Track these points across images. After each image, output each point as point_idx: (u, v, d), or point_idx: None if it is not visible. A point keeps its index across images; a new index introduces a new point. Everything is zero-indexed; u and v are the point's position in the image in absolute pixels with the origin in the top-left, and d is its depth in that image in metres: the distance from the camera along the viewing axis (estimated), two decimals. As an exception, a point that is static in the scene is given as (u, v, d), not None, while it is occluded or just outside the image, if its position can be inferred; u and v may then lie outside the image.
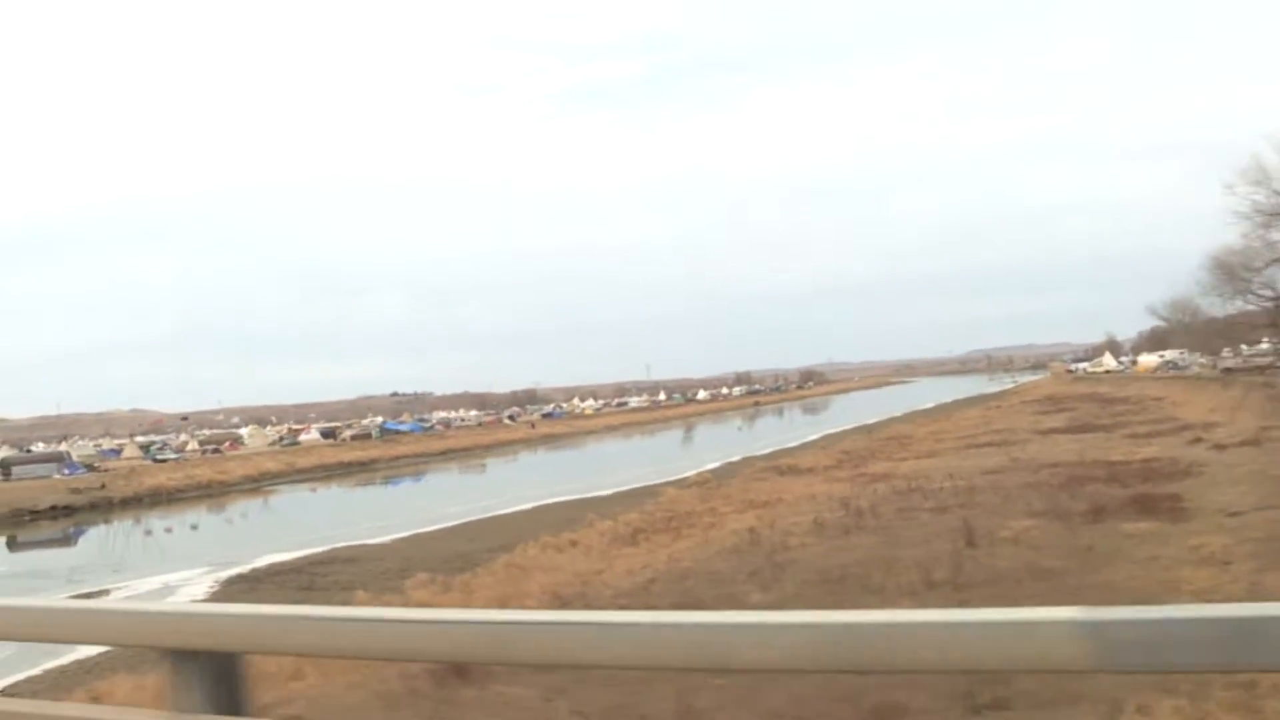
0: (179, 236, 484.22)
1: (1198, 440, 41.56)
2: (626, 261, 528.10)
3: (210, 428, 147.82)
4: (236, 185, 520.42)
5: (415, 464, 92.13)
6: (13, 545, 55.57)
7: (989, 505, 28.26)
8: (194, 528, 55.94)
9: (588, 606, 19.72)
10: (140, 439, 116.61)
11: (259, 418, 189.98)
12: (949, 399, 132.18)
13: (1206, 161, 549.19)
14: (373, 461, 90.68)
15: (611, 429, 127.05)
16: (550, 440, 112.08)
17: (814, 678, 9.41)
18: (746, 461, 60.83)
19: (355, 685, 15.16)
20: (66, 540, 53.17)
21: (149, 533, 53.75)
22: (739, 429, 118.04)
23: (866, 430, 76.12)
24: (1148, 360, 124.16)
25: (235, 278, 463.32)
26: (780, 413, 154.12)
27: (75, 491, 68.83)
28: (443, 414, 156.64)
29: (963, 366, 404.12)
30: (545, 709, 12.70)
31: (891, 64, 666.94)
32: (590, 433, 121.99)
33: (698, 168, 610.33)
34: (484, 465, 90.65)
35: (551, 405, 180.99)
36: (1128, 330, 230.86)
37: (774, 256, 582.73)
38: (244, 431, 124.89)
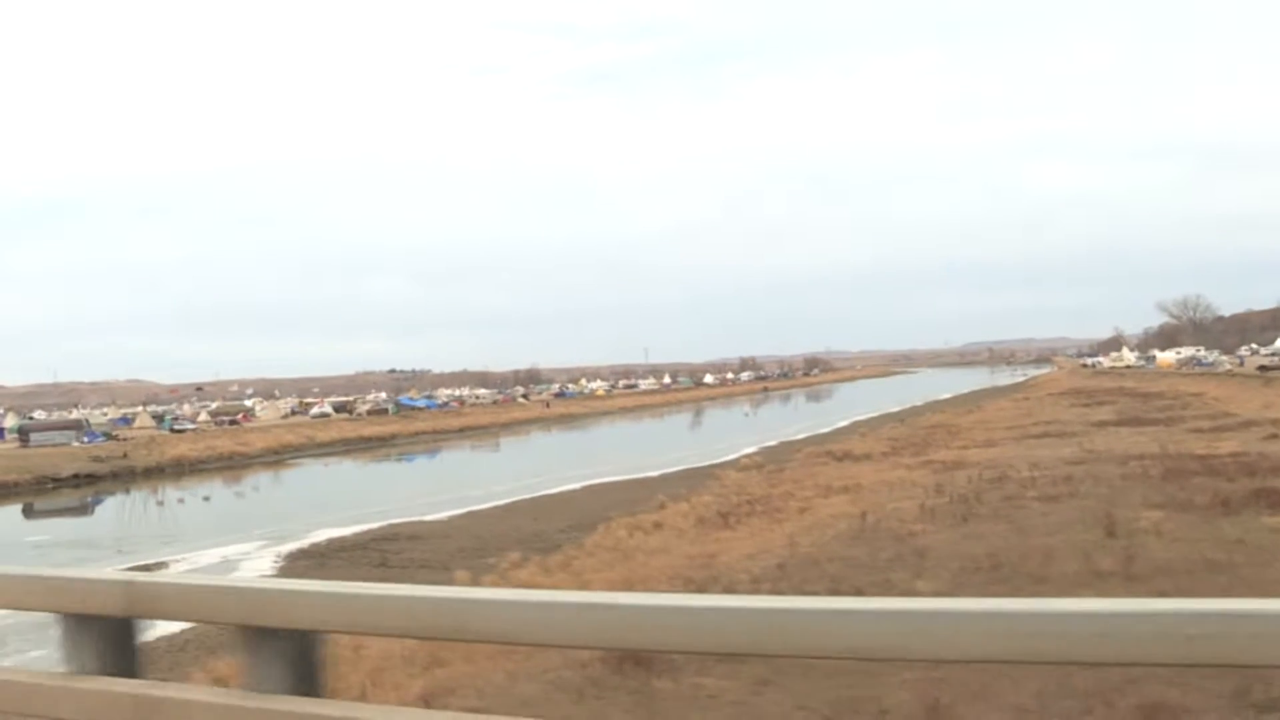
0: (181, 212, 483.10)
1: (1274, 436, 40.54)
2: (626, 246, 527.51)
3: (216, 400, 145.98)
4: (239, 162, 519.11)
5: (434, 440, 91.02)
6: (44, 513, 54.42)
7: (1099, 496, 27.15)
8: (227, 499, 54.70)
9: (725, 591, 18.65)
10: (153, 409, 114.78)
11: (265, 390, 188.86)
12: (964, 390, 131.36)
13: (1205, 162, 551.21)
14: (392, 437, 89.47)
15: (625, 410, 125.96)
16: (566, 420, 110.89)
17: (1053, 671, 8.96)
18: (787, 446, 59.79)
19: (518, 674, 14.11)
20: (99, 509, 51.80)
21: (183, 501, 52.59)
22: (756, 414, 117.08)
23: (899, 419, 75.07)
24: (1166, 356, 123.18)
25: (236, 253, 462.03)
26: (791, 399, 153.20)
27: (97, 460, 67.56)
28: (452, 391, 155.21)
29: (961, 358, 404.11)
30: (760, 704, 11.66)
31: (896, 57, 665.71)
32: (605, 413, 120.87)
33: (700, 154, 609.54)
34: (505, 443, 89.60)
35: (557, 385, 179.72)
36: (1128, 326, 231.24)
37: (774, 245, 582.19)
38: (253, 403, 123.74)
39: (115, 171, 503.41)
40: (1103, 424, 53.17)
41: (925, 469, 37.27)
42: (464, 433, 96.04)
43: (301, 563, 30.10)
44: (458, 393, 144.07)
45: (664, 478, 47.90)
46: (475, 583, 23.14)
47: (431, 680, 14.97)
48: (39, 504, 56.31)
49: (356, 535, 34.86)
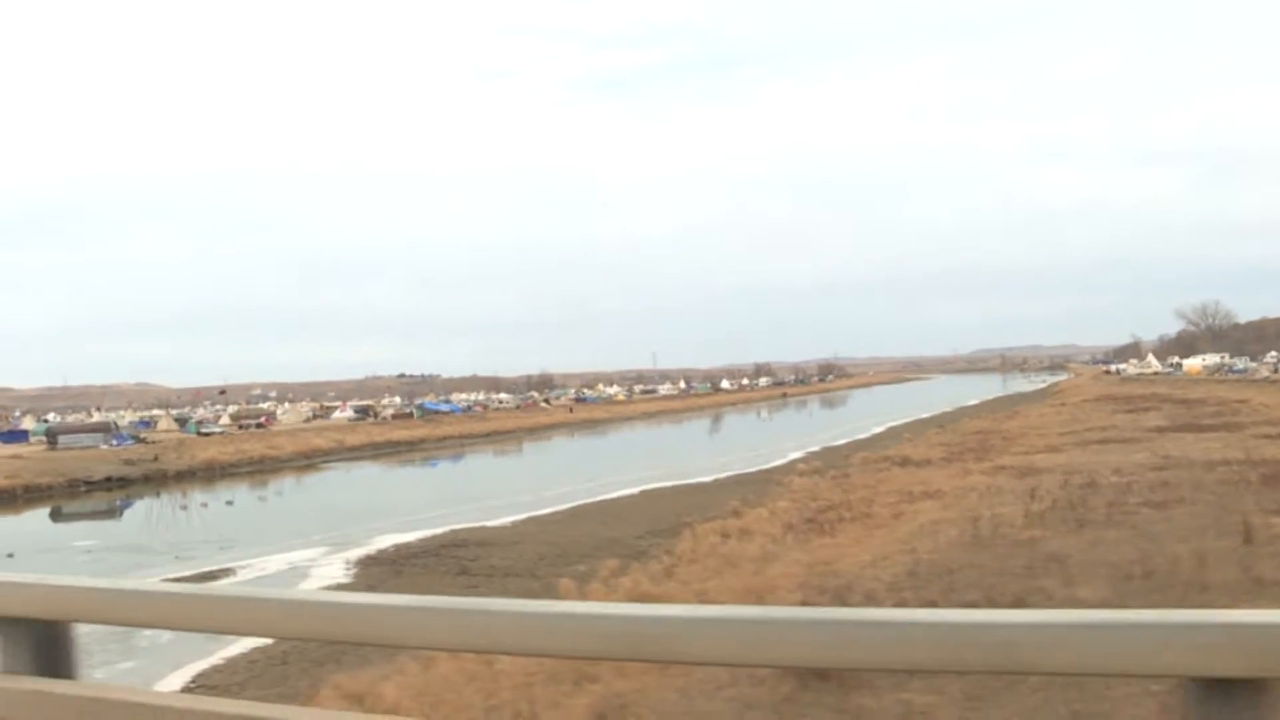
0: (189, 215, 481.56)
1: (1352, 443, 39.67)
2: (634, 251, 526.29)
3: (236, 403, 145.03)
4: (245, 165, 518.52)
5: (460, 445, 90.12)
6: (83, 516, 53.63)
7: (1207, 502, 26.35)
8: (268, 503, 53.77)
9: (866, 601, 17.77)
10: (175, 412, 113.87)
11: (281, 394, 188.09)
12: (988, 396, 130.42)
13: (1214, 168, 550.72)
14: (420, 441, 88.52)
15: (648, 415, 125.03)
16: (590, 425, 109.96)
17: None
18: (833, 452, 58.95)
19: (689, 691, 13.31)
20: (140, 513, 50.80)
21: (226, 505, 51.73)
22: (783, 420, 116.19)
23: (936, 425, 74.16)
24: (1193, 363, 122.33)
25: (243, 257, 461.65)
26: (813, 405, 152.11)
27: (128, 463, 66.71)
28: (468, 396, 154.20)
29: (970, 365, 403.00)
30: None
31: (904, 63, 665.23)
32: (628, 418, 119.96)
33: (709, 160, 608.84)
34: (534, 448, 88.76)
35: (573, 390, 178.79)
36: (1138, 333, 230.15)
37: (782, 250, 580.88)
38: (269, 405, 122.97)
39: (121, 174, 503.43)
40: (1160, 430, 52.26)
41: (999, 475, 36.32)
42: (490, 437, 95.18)
43: (375, 570, 29.17)
44: (475, 397, 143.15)
45: (718, 483, 47.00)
46: (580, 594, 22.25)
47: (595, 698, 14.09)
48: (76, 507, 55.63)
49: (422, 541, 33.89)
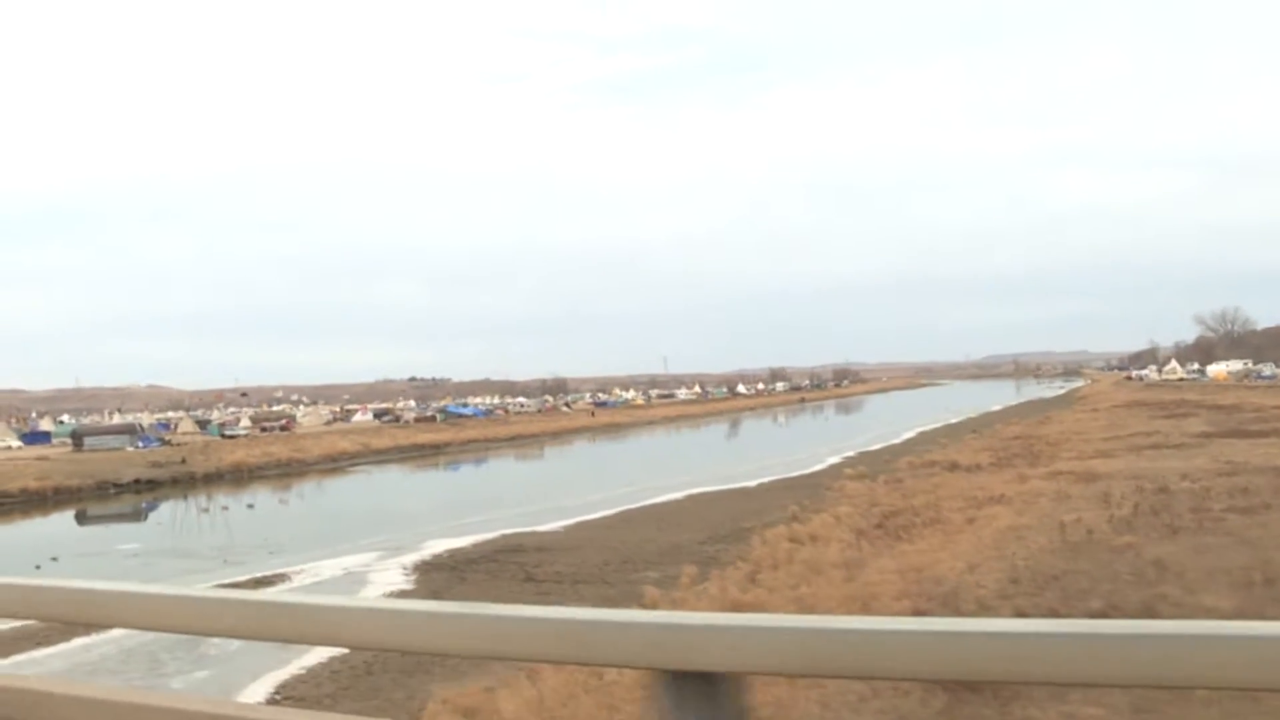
0: (200, 216, 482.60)
1: None
2: (645, 255, 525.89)
3: (258, 405, 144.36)
4: (257, 167, 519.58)
5: (485, 448, 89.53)
6: (115, 519, 53.18)
7: (1293, 509, 25.69)
8: (304, 507, 53.14)
9: (979, 610, 17.15)
10: (196, 414, 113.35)
11: (301, 398, 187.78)
12: (1011, 402, 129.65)
13: (1226, 172, 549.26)
14: (445, 444, 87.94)
15: (669, 420, 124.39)
16: (612, 429, 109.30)
17: None
18: (870, 456, 58.26)
19: (830, 703, 12.68)
20: (175, 516, 50.15)
21: (258, 508, 51.16)
22: (807, 425, 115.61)
23: (969, 430, 73.48)
24: (1218, 369, 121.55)
25: (254, 258, 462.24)
26: (832, 411, 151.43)
27: (156, 465, 66.22)
28: (480, 399, 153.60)
29: (982, 371, 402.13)
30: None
31: (914, 67, 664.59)
32: (650, 423, 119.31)
33: (719, 164, 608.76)
34: (561, 452, 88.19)
35: (588, 394, 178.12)
36: (1149, 339, 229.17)
37: (792, 255, 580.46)
38: (283, 407, 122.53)
39: (132, 175, 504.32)
40: (1208, 435, 51.45)
41: (1059, 480, 35.58)
42: (514, 441, 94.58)
43: (436, 575, 28.53)
44: (492, 401, 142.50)
45: (764, 488, 46.38)
46: (667, 600, 21.60)
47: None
48: (108, 509, 55.24)
49: (476, 546, 33.25)
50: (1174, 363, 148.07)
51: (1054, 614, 15.45)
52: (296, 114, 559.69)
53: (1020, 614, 15.92)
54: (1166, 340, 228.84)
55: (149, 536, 41.96)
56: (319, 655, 20.04)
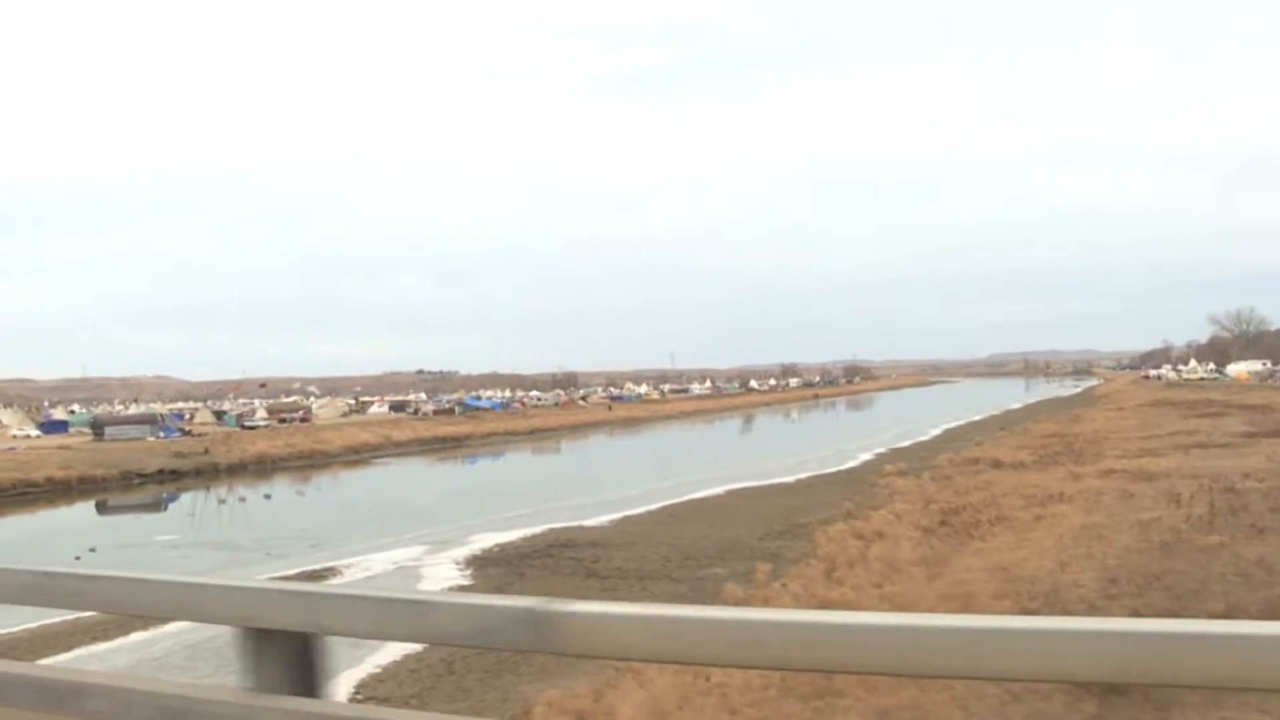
0: (208, 208, 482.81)
1: None
2: (651, 250, 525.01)
3: (277, 396, 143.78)
4: (265, 160, 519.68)
5: (505, 441, 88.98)
6: (141, 509, 52.72)
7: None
8: (336, 499, 52.53)
9: (1089, 611, 16.62)
10: (213, 405, 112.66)
11: (296, 388, 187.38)
12: (1030, 400, 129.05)
13: (1237, 172, 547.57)
14: (466, 437, 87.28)
15: (685, 414, 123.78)
16: (630, 424, 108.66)
17: None
18: (901, 453, 57.67)
19: (971, 706, 12.25)
20: (204, 507, 49.56)
21: (293, 499, 50.68)
22: (826, 421, 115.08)
23: (999, 428, 72.85)
24: (1239, 369, 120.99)
25: (262, 250, 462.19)
26: (847, 407, 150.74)
27: (179, 455, 65.64)
28: (492, 392, 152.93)
29: (990, 369, 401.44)
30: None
31: (924, 64, 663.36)
32: (667, 417, 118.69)
33: (726, 159, 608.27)
34: (583, 445, 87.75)
35: (599, 388, 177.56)
36: (1157, 338, 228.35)
37: (799, 251, 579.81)
38: (295, 400, 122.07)
39: (141, 167, 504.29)
40: (1251, 435, 50.94)
41: (1113, 479, 35.13)
42: (534, 435, 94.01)
43: (492, 571, 27.90)
44: (505, 394, 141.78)
45: (804, 484, 45.83)
46: (750, 598, 20.98)
47: (863, 716, 13.06)
48: (135, 499, 54.85)
49: (525, 541, 32.62)
50: (1193, 362, 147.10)
51: (1172, 615, 14.89)
52: (306, 108, 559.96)
53: (1136, 615, 15.37)
54: (1171, 340, 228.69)
55: (183, 528, 41.38)
56: (390, 652, 19.49)
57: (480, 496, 47.20)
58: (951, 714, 12.12)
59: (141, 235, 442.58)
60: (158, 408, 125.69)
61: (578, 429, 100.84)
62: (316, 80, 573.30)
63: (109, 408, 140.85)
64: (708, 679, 14.50)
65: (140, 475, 61.34)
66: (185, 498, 53.87)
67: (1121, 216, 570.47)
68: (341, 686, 17.77)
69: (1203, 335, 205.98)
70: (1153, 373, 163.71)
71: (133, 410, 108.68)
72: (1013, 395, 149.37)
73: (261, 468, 66.98)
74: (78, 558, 31.95)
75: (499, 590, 24.82)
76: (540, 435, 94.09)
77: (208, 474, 63.35)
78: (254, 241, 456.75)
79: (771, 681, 13.96)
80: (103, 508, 53.33)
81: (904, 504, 32.69)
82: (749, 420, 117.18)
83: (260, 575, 26.55)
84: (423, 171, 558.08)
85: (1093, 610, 16.79)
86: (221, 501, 51.35)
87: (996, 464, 43.73)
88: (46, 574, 3.49)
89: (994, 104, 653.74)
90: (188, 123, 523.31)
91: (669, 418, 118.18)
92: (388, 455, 76.06)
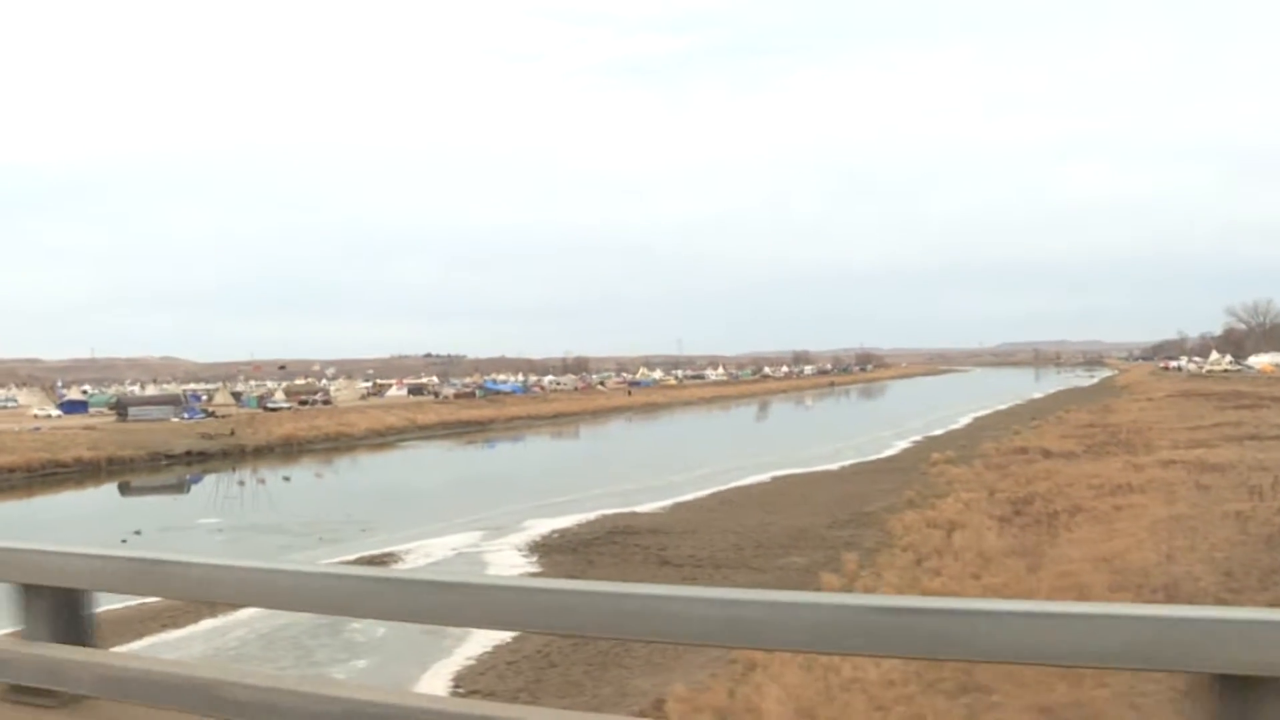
0: (216, 191, 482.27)
1: None
2: (660, 237, 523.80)
3: (296, 378, 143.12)
4: (273, 145, 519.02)
5: (529, 425, 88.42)
6: (170, 490, 52.19)
7: None
8: (375, 482, 51.88)
9: (1222, 605, 15.98)
10: (239, 387, 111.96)
11: (303, 369, 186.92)
12: (1050, 390, 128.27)
13: (1247, 165, 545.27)
14: (489, 421, 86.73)
15: (704, 400, 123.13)
16: (650, 409, 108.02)
17: None
18: (942, 441, 57.18)
19: (1137, 701, 11.66)
20: (242, 489, 49.01)
21: (288, 480, 50.41)
22: (849, 409, 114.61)
23: (1029, 417, 72.10)
24: (1264, 360, 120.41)
25: (269, 233, 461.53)
26: (866, 395, 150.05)
27: (206, 437, 65.16)
28: (504, 376, 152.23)
29: (997, 358, 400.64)
30: None
31: (933, 54, 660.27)
32: (686, 403, 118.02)
33: (735, 148, 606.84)
34: (607, 430, 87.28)
35: (610, 373, 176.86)
36: (1167, 330, 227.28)
37: (806, 240, 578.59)
38: (308, 382, 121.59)
39: (150, 149, 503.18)
40: (1303, 428, 50.20)
41: (1176, 470, 34.50)
42: (556, 419, 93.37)
43: (558, 558, 27.34)
44: (521, 379, 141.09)
45: (851, 471, 45.40)
46: (862, 588, 20.38)
47: (1026, 712, 12.55)
48: (168, 480, 54.61)
49: (581, 527, 32.12)
50: (1214, 354, 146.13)
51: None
52: (314, 92, 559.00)
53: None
54: (1192, 332, 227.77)
55: (224, 510, 40.81)
56: (481, 643, 18.98)
57: (518, 481, 46.69)
58: (1124, 714, 11.58)
59: (148, 218, 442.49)
60: (171, 388, 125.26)
61: (598, 414, 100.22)
62: (326, 65, 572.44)
63: (121, 388, 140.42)
64: (836, 672, 13.96)
65: (168, 456, 60.91)
66: (217, 479, 53.29)
67: (1129, 208, 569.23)
68: (439, 681, 17.22)
69: (1215, 327, 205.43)
70: (1172, 364, 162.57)
71: (151, 391, 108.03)
72: (1027, 385, 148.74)
73: (288, 450, 66.52)
74: (124, 541, 31.41)
75: (571, 579, 24.28)
76: (562, 419, 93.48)
77: (234, 456, 62.92)
78: (261, 225, 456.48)
79: (908, 675, 13.41)
80: (135, 489, 52.91)
81: (968, 493, 32.13)
82: (769, 407, 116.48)
83: (321, 560, 25.99)
84: (431, 157, 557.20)
85: (1221, 605, 16.21)
86: (262, 481, 50.87)
87: (1046, 453, 43.08)
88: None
89: (1003, 95, 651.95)
90: (194, 107, 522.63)
91: (687, 403, 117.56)
92: (412, 438, 75.55)
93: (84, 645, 3.72)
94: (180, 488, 53.35)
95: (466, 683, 16.88)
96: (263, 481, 51.06)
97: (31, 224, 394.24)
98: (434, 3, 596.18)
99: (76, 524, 37.99)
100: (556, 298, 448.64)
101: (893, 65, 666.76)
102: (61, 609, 3.75)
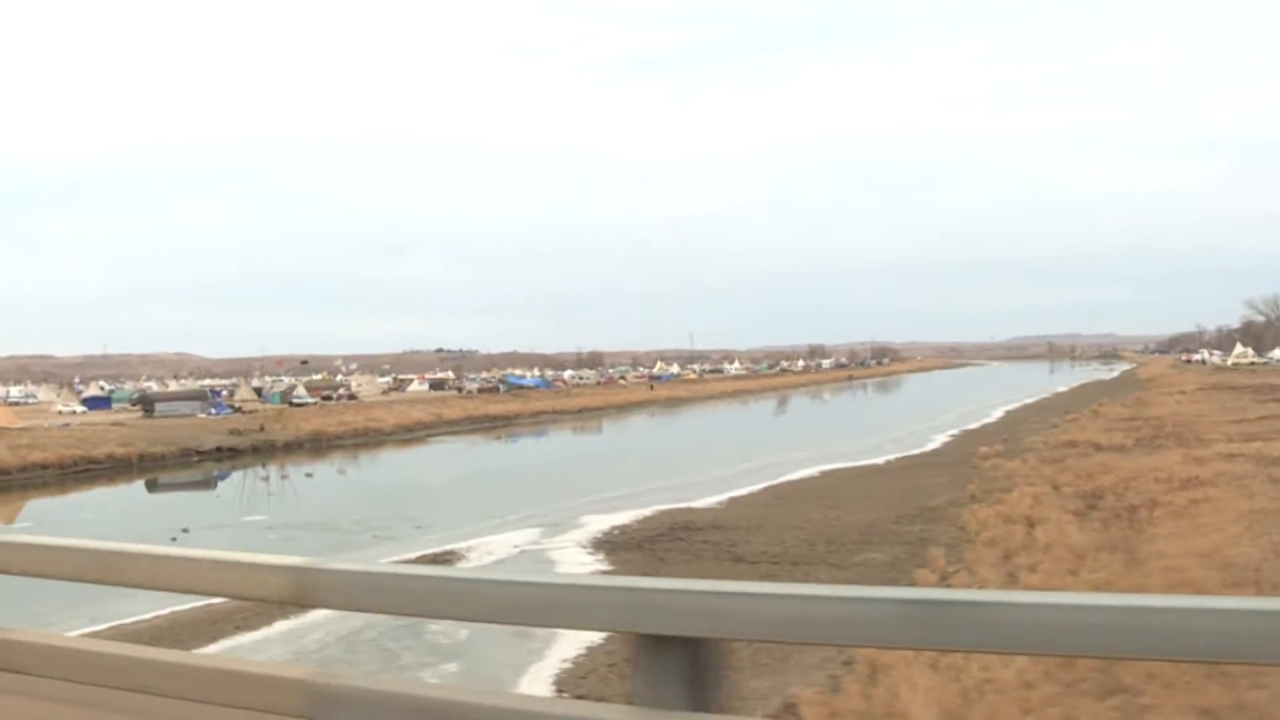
0: (227, 185, 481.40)
1: None
2: (670, 231, 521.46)
3: (318, 373, 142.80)
4: (285, 137, 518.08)
5: (554, 420, 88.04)
6: (200, 486, 51.79)
7: None
8: (413, 478, 51.39)
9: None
10: (255, 382, 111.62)
11: (325, 365, 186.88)
12: (1075, 383, 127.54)
13: (1257, 157, 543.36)
14: (515, 416, 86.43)
15: (726, 395, 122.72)
16: (673, 403, 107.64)
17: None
18: (982, 435, 56.64)
19: None
20: (277, 485, 48.62)
21: (342, 473, 49.80)
22: (873, 402, 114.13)
23: (1062, 410, 71.40)
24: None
25: (280, 229, 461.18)
26: (886, 389, 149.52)
27: (235, 433, 64.75)
28: (517, 371, 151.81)
29: (1010, 352, 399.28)
30: None
31: (943, 47, 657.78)
32: (708, 397, 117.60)
33: (747, 142, 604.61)
34: (633, 424, 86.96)
35: (627, 368, 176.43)
36: (1175, 324, 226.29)
37: (818, 233, 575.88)
38: (324, 377, 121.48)
39: (160, 143, 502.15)
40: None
41: (1237, 463, 34.00)
42: (581, 414, 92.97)
43: (624, 555, 26.91)
44: (538, 373, 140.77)
45: (898, 466, 44.93)
46: (947, 581, 19.90)
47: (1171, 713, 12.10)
48: (202, 476, 54.18)
49: (640, 523, 31.66)
50: (1239, 347, 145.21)
51: None
52: (326, 84, 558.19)
53: None
54: (1207, 324, 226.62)
55: (268, 507, 40.43)
56: (571, 644, 18.51)
57: (559, 477, 46.30)
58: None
59: (158, 213, 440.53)
60: (188, 384, 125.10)
61: (623, 408, 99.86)
62: (336, 60, 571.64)
63: (137, 384, 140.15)
64: (965, 672, 13.49)
65: (199, 452, 60.53)
66: (245, 475, 52.88)
67: (1140, 201, 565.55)
68: (539, 688, 16.70)
69: (1229, 319, 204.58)
70: (1194, 357, 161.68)
71: (173, 386, 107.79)
72: (1047, 379, 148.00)
73: (317, 445, 66.15)
74: (174, 539, 30.99)
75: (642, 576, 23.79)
76: (587, 414, 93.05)
77: (265, 452, 62.54)
78: (272, 219, 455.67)
79: (1042, 676, 12.97)
80: (166, 485, 52.56)
81: (1030, 487, 31.57)
82: (793, 401, 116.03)
83: (378, 558, 25.51)
84: (440, 152, 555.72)
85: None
86: (309, 475, 50.60)
87: (1097, 447, 42.57)
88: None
89: (1013, 87, 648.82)
90: (206, 100, 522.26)
91: (710, 398, 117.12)
92: (440, 433, 75.16)
93: None
94: (209, 484, 52.95)
95: (569, 687, 16.39)
96: (310, 475, 50.74)
97: (43, 220, 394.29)
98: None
99: (112, 520, 37.55)
100: (564, 292, 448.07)
101: (902, 59, 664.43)
102: None
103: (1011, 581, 19.19)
